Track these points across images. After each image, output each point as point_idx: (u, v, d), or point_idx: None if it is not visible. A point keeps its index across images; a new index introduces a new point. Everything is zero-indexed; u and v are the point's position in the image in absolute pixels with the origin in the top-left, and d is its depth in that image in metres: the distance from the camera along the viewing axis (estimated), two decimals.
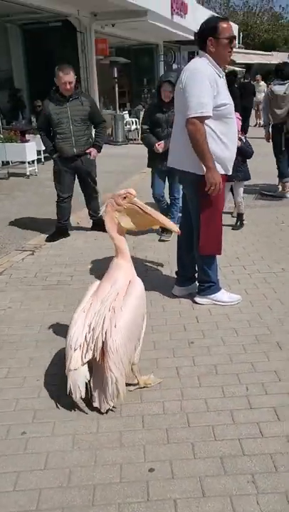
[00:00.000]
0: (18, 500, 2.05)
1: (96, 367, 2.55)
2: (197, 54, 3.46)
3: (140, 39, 17.39)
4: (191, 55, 20.47)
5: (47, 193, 7.31)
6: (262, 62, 31.65)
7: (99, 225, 5.35)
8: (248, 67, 28.45)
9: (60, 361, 3.01)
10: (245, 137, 5.42)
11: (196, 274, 3.86)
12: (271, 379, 2.79)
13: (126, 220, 2.68)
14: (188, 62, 3.65)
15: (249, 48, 35.73)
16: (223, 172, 3.43)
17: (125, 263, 2.70)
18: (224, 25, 3.24)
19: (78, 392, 2.48)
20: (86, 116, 5.15)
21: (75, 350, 2.49)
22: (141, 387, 2.72)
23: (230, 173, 3.54)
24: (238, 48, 28.91)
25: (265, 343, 3.18)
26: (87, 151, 5.23)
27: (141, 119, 5.76)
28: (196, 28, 3.40)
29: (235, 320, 3.50)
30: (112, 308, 2.52)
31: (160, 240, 5.28)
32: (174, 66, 20.14)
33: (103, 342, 2.45)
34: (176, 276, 4.00)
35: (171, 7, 14.69)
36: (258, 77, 17.75)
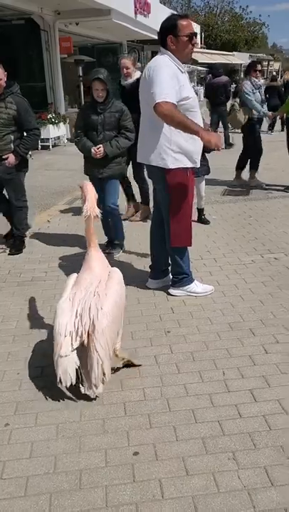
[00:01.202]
0: (5, 488, 2.07)
1: (82, 354, 2.58)
2: None
3: (104, 38, 17.39)
4: (155, 55, 20.50)
5: None
6: (223, 62, 32.18)
7: (16, 245, 4.99)
8: (210, 67, 28.90)
9: (39, 354, 3.04)
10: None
11: (170, 267, 3.94)
12: (246, 363, 2.90)
13: None
14: None
15: (211, 48, 36.23)
16: (190, 165, 3.51)
17: (97, 253, 2.92)
18: (183, 22, 3.28)
19: (69, 379, 2.51)
20: (10, 120, 4.57)
21: (65, 336, 2.53)
22: (126, 362, 2.83)
23: (198, 165, 3.61)
24: (201, 47, 29.34)
25: (239, 329, 3.29)
26: (4, 156, 4.66)
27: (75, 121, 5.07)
28: (159, 27, 3.44)
29: (208, 309, 3.59)
30: (96, 294, 2.62)
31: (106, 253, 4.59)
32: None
33: (90, 326, 2.52)
34: (149, 270, 4.08)
35: (135, 6, 14.78)
36: None
